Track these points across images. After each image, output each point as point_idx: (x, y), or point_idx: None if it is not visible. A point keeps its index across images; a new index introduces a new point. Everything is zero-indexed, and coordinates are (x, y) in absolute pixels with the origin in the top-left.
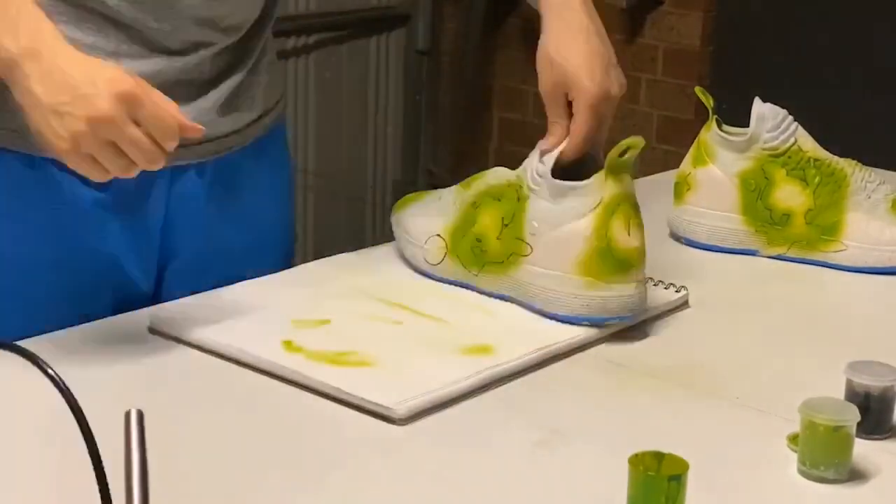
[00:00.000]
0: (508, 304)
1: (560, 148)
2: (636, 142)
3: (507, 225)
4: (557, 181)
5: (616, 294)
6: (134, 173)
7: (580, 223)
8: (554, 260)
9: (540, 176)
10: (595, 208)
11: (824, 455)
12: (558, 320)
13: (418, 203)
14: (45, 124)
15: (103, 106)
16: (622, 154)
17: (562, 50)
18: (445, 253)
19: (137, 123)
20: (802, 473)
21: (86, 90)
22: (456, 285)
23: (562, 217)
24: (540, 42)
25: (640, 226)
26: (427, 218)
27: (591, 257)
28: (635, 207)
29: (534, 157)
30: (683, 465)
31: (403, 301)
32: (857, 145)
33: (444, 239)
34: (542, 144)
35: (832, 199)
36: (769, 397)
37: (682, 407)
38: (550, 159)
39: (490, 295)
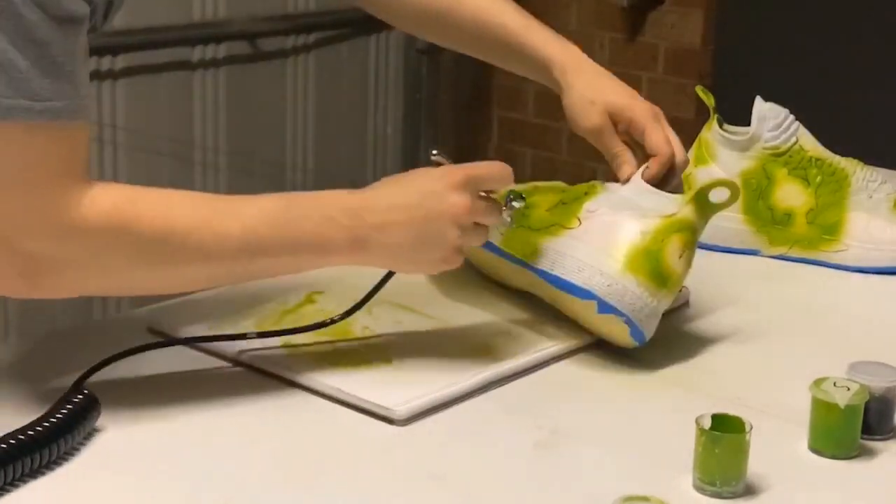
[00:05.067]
0: (508, 304)
1: (642, 168)
2: (733, 189)
3: (564, 203)
4: (645, 183)
5: (638, 293)
6: (486, 237)
7: (644, 220)
8: (599, 238)
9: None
10: (665, 217)
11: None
12: (565, 289)
13: None
14: (424, 261)
15: (457, 201)
16: (711, 194)
17: (597, 89)
18: None
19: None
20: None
21: (431, 205)
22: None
23: (629, 207)
24: (568, 96)
25: (690, 263)
26: None
27: (637, 250)
28: (694, 245)
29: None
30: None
31: (403, 301)
32: (858, 144)
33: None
34: (622, 177)
35: (834, 199)
36: (769, 397)
37: (682, 406)
38: (638, 178)
39: (504, 256)
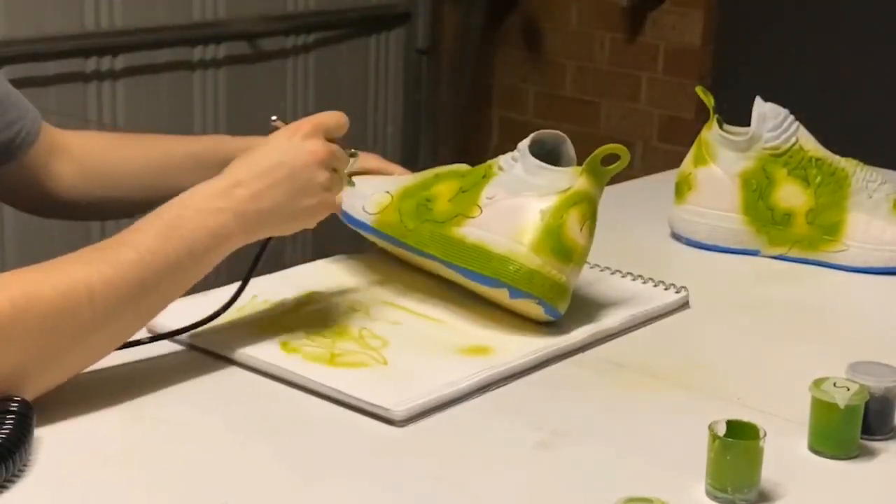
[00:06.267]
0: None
1: (526, 141)
2: (623, 154)
3: (464, 191)
4: (535, 159)
5: (545, 273)
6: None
7: (541, 200)
8: (501, 224)
9: (517, 151)
10: (561, 192)
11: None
12: (476, 280)
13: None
14: (305, 210)
15: (315, 146)
16: (605, 161)
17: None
18: (387, 205)
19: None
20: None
21: (292, 158)
22: (383, 238)
23: (525, 189)
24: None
25: (593, 232)
26: (382, 181)
27: (539, 231)
28: (594, 214)
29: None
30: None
31: (402, 302)
32: (858, 144)
33: (391, 195)
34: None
35: (833, 199)
36: (769, 397)
37: (682, 407)
38: (528, 140)
39: (413, 251)
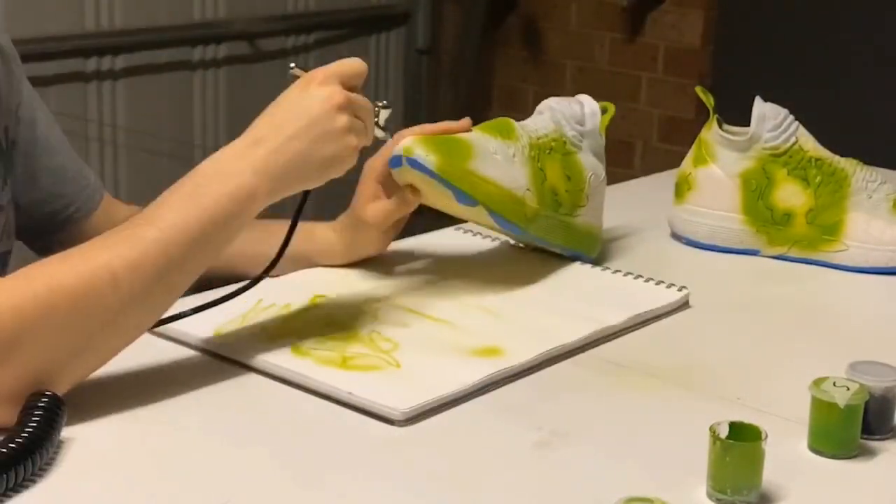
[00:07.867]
0: (512, 304)
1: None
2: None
3: (569, 178)
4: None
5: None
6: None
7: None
8: (598, 213)
9: (581, 134)
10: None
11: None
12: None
13: (474, 153)
14: (329, 158)
15: (328, 92)
16: None
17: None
18: (536, 210)
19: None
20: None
21: (308, 108)
22: (534, 240)
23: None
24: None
25: None
26: (503, 170)
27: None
28: None
29: (563, 111)
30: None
31: (408, 304)
32: (858, 144)
33: (531, 192)
34: None
35: (833, 199)
36: (769, 397)
37: (682, 407)
38: (595, 117)
39: (536, 242)
